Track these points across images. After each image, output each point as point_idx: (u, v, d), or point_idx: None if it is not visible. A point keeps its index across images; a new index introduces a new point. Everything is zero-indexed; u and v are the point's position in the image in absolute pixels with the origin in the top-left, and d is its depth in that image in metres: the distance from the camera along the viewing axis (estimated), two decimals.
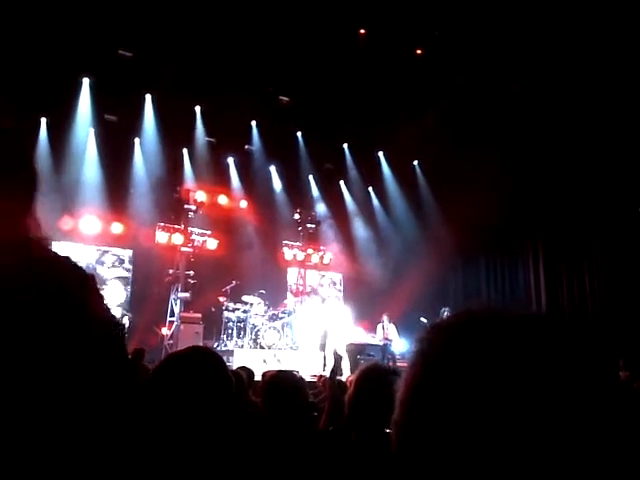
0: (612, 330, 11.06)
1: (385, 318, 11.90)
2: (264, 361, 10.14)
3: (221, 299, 11.74)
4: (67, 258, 0.86)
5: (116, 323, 0.89)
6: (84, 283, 0.83)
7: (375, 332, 12.04)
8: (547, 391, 0.52)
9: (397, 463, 0.56)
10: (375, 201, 15.60)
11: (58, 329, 0.73)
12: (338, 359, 3.97)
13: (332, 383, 3.70)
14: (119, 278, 12.90)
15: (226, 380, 1.65)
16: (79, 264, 0.87)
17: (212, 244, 12.78)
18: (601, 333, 10.67)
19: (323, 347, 7.05)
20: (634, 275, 11.65)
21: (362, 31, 11.16)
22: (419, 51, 11.74)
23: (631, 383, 5.45)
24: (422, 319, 11.16)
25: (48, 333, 0.71)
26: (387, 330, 11.78)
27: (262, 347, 11.29)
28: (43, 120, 11.51)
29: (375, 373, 2.07)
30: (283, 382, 2.72)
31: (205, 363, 1.64)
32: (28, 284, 0.74)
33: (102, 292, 0.90)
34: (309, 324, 12.22)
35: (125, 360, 0.84)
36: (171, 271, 12.31)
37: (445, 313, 10.58)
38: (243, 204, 13.93)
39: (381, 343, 11.70)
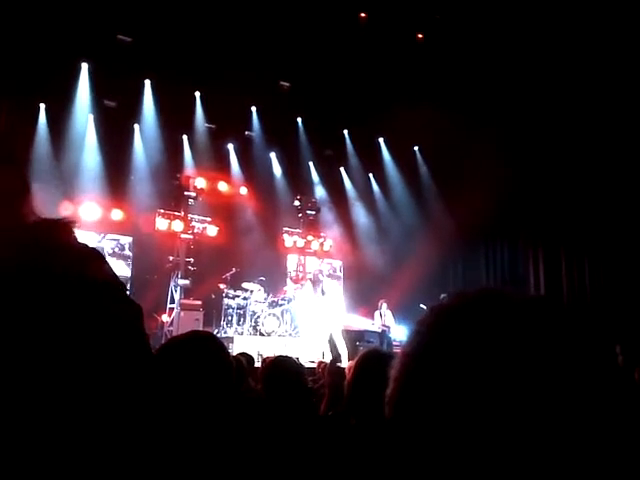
0: (611, 318, 11.09)
1: (383, 305, 11.91)
2: (258, 353, 9.96)
3: (221, 286, 11.74)
4: (74, 239, 0.86)
5: (128, 299, 0.90)
6: (88, 260, 0.84)
7: (373, 318, 12.08)
8: (542, 369, 0.52)
9: (390, 439, 0.56)
10: (375, 187, 15.55)
11: (62, 306, 0.73)
12: (333, 345, 3.99)
13: (332, 369, 3.72)
14: (120, 258, 12.73)
15: (227, 365, 1.65)
16: (86, 243, 0.87)
17: (212, 231, 12.77)
18: (600, 320, 10.69)
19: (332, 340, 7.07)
20: (633, 264, 11.66)
21: (363, 15, 11.06)
22: (420, 36, 11.65)
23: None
24: (422, 306, 11.19)
25: (49, 308, 0.72)
26: (385, 317, 11.81)
27: (262, 334, 11.31)
28: (42, 106, 11.44)
29: (374, 358, 2.08)
30: (282, 367, 2.74)
31: (206, 347, 1.64)
32: (30, 265, 0.74)
33: (111, 268, 0.91)
34: (308, 311, 12.24)
35: (138, 332, 0.84)
36: (171, 258, 12.32)
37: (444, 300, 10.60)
38: (243, 190, 13.86)
39: (379, 330, 11.73)
